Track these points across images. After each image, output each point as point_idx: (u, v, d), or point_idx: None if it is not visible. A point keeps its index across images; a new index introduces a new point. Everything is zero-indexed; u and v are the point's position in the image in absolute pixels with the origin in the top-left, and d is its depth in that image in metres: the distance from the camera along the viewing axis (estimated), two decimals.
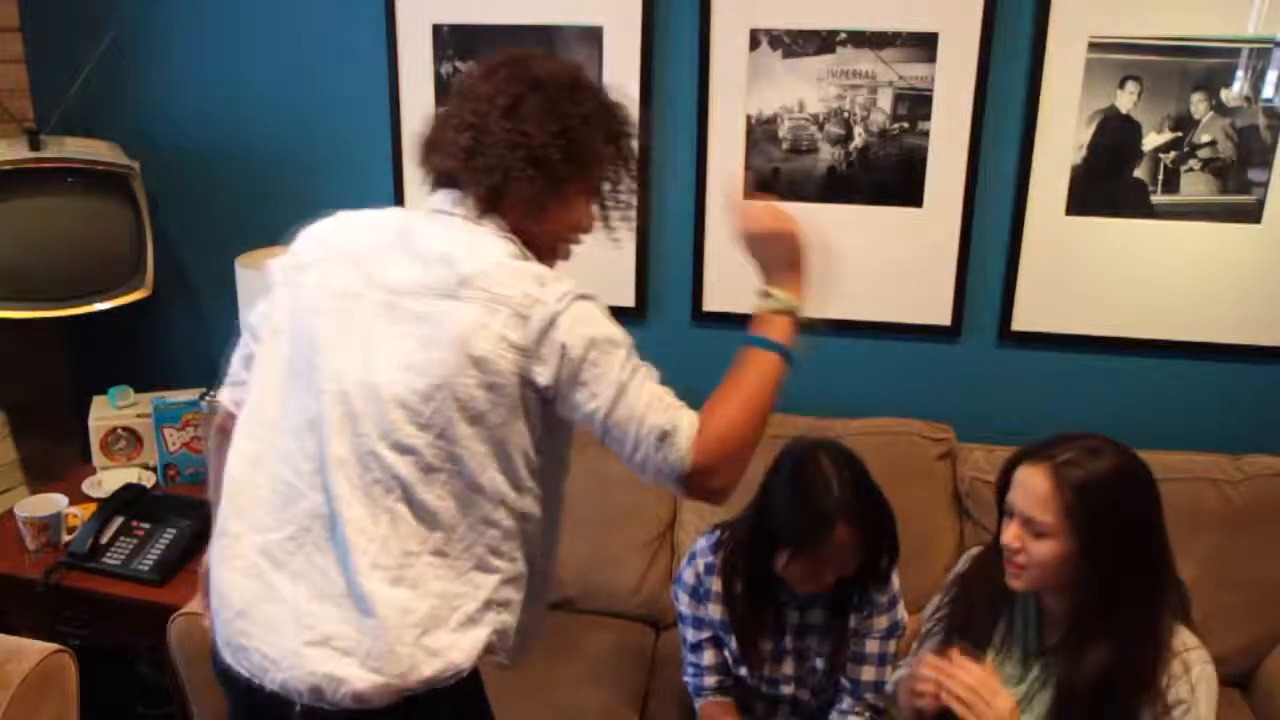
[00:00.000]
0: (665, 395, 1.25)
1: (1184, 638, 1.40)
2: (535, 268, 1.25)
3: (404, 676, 1.20)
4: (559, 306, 1.21)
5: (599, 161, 1.33)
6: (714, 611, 1.75)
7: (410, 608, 1.21)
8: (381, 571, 1.21)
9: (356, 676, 1.20)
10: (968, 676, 1.36)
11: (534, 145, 1.26)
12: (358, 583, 1.20)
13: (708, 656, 1.79)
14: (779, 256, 1.33)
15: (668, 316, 2.41)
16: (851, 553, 1.59)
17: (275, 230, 1.70)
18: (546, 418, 1.27)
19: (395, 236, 1.27)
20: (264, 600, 1.24)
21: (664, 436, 1.21)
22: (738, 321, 2.37)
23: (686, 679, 1.83)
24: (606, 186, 1.37)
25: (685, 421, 1.22)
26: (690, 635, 1.80)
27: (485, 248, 1.25)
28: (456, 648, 1.23)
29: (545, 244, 1.33)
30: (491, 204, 1.29)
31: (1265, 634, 2.07)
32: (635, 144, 1.39)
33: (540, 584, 1.37)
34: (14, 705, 1.61)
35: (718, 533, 1.77)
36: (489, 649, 1.28)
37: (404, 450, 1.20)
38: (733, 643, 1.75)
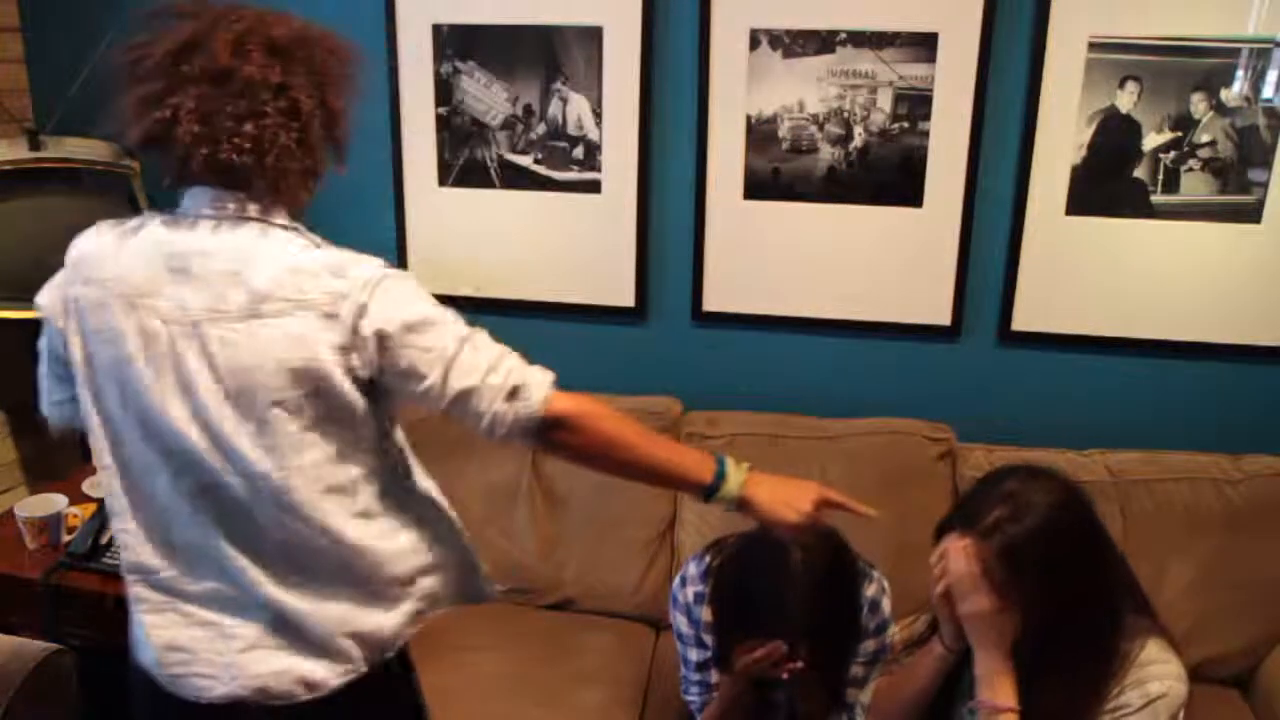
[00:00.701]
0: (506, 355, 1.21)
1: (1152, 652, 1.38)
2: (328, 256, 1.18)
3: (343, 662, 1.26)
4: (365, 296, 1.15)
5: (344, 118, 1.27)
6: (708, 639, 1.74)
7: (325, 607, 1.24)
8: (288, 581, 1.23)
9: (301, 666, 1.24)
10: (958, 567, 1.39)
11: (303, 119, 1.20)
12: (267, 596, 1.23)
13: (715, 674, 1.76)
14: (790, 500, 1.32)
15: (668, 316, 2.41)
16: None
17: None
18: (385, 392, 1.24)
19: (172, 260, 1.19)
20: (183, 627, 1.26)
21: (514, 392, 1.19)
22: (738, 321, 2.40)
23: (690, 698, 1.79)
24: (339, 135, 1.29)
25: (535, 376, 1.21)
26: (694, 655, 1.77)
27: (269, 251, 1.17)
28: (386, 628, 1.28)
29: (298, 208, 1.26)
30: (268, 191, 1.21)
31: (1265, 634, 2.06)
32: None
33: (446, 525, 1.37)
34: (14, 705, 1.61)
35: (707, 558, 1.75)
36: (419, 616, 1.32)
37: (255, 476, 1.19)
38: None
